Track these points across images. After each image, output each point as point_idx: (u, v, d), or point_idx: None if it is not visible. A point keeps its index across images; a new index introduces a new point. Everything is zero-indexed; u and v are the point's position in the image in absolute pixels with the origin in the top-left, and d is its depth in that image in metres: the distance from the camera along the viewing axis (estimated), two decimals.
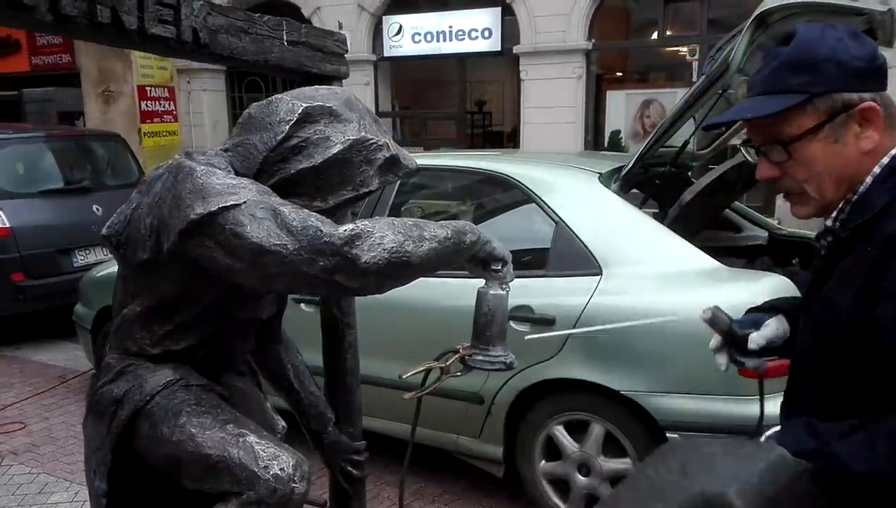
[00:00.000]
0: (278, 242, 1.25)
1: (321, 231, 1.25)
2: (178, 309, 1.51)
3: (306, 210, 1.31)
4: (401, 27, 10.83)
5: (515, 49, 9.94)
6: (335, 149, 1.40)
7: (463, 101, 11.23)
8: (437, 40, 10.65)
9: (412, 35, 10.79)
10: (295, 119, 1.41)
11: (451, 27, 10.50)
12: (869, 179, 1.16)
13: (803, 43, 1.14)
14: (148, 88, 11.72)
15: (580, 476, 3.00)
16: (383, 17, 10.89)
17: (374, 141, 1.44)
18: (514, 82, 10.57)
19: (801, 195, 1.21)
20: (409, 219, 1.35)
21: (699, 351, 2.53)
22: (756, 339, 1.40)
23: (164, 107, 11.93)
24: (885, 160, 1.15)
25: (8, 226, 5.63)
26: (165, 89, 12.02)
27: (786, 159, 1.18)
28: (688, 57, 9.60)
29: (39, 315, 6.01)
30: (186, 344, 1.56)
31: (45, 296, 5.75)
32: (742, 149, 2.90)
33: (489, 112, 13.15)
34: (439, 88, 12.35)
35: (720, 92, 2.97)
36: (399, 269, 1.28)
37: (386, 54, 11.08)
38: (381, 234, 1.26)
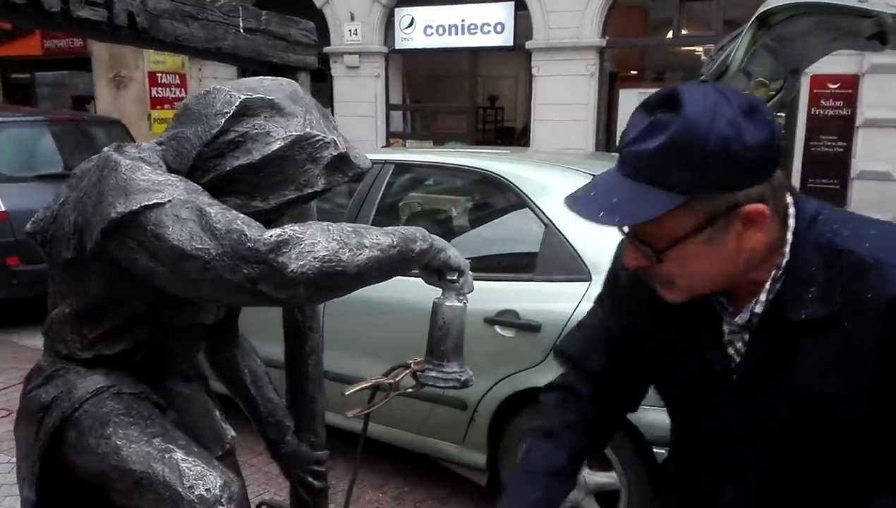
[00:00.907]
0: (200, 246, 1.15)
1: (245, 235, 1.14)
2: (109, 313, 1.41)
3: (235, 211, 1.20)
4: (413, 19, 10.71)
5: (528, 44, 9.80)
6: (275, 146, 1.30)
7: (474, 96, 11.10)
8: (450, 34, 10.53)
9: (424, 27, 10.67)
10: (232, 111, 1.30)
11: (463, 20, 10.37)
12: (788, 251, 1.03)
13: (691, 125, 0.92)
14: (159, 75, 11.70)
15: None
16: (395, 9, 10.78)
17: (319, 137, 1.33)
18: (527, 78, 10.42)
19: (672, 284, 1.05)
20: (348, 225, 1.24)
21: None
22: None
23: (174, 94, 11.90)
24: (790, 236, 1.02)
25: (3, 209, 5.59)
26: (176, 76, 12.00)
27: (658, 261, 1.02)
28: (703, 57, 9.42)
29: (34, 300, 5.96)
30: (120, 349, 1.46)
31: (40, 281, 5.66)
32: None
33: (501, 107, 13.01)
34: (451, 82, 12.24)
35: None
36: (332, 280, 1.17)
37: (397, 47, 10.96)
38: (312, 241, 1.16)
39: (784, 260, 1.03)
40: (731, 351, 1.11)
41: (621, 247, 1.22)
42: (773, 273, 1.03)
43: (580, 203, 1.00)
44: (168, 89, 11.80)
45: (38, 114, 6.89)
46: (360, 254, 1.19)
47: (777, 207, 1.00)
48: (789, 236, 1.03)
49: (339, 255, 1.16)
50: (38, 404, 1.46)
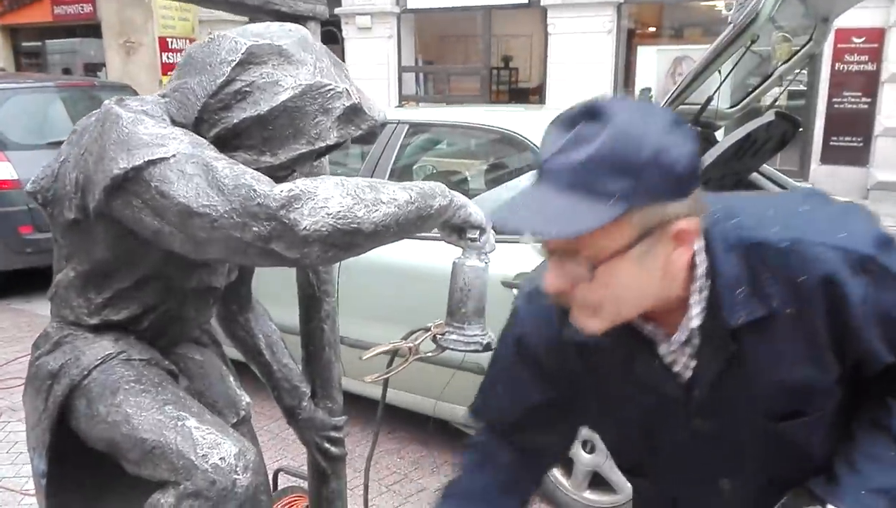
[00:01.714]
0: (207, 203, 1.08)
1: (255, 191, 1.07)
2: (115, 276, 1.35)
3: (243, 166, 1.13)
4: None
5: (543, 1, 9.57)
6: (284, 96, 1.21)
7: (488, 56, 10.90)
8: None
9: None
10: (238, 59, 1.21)
11: None
12: (703, 258, 0.98)
13: (624, 133, 0.87)
14: (169, 40, 11.59)
15: (584, 453, 2.86)
16: None
17: (331, 87, 1.25)
18: (542, 36, 10.21)
19: (595, 311, 0.97)
20: (363, 179, 1.16)
21: None
22: None
23: None
24: (701, 242, 0.97)
25: (16, 177, 5.55)
26: (187, 41, 11.88)
27: (588, 279, 0.93)
28: (724, 12, 9.17)
29: (49, 269, 5.96)
30: (128, 314, 1.41)
31: (51, 250, 5.69)
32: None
33: (515, 68, 12.79)
34: (465, 43, 12.03)
35: (748, 43, 2.71)
36: (347, 237, 1.10)
37: (409, 6, 10.76)
38: (325, 196, 1.08)
39: (703, 268, 0.98)
40: (677, 368, 1.06)
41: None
42: (697, 283, 0.98)
43: (508, 219, 0.92)
44: (178, 54, 11.69)
45: (47, 80, 6.82)
46: (377, 210, 1.12)
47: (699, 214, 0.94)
48: (701, 243, 0.97)
49: (353, 211, 1.09)
50: (46, 371, 1.41)
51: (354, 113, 1.28)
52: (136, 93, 7.06)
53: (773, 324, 0.97)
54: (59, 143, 5.26)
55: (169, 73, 11.30)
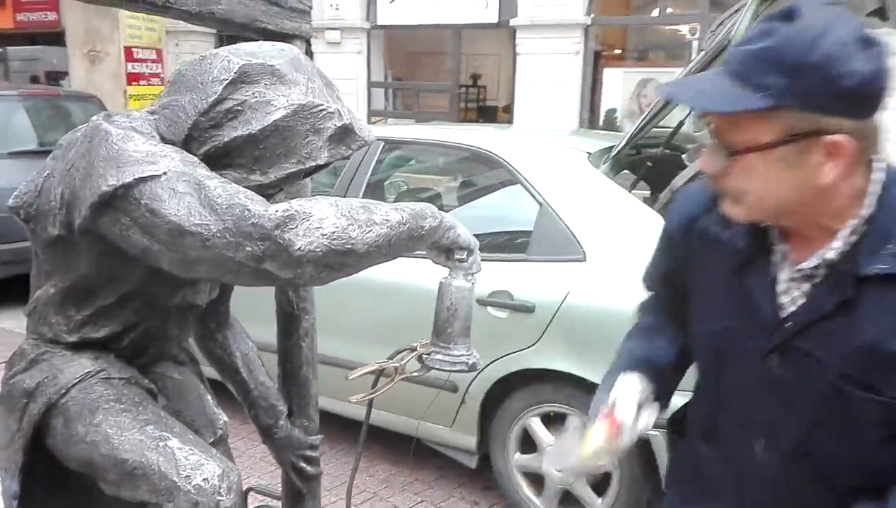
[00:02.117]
0: (199, 222, 1.07)
1: (249, 210, 1.07)
2: (97, 293, 1.33)
3: (236, 185, 1.13)
4: None
5: (512, 21, 9.68)
6: (276, 115, 1.21)
7: (457, 74, 10.96)
8: (433, 9, 10.36)
9: (407, 2, 10.50)
10: (230, 78, 1.21)
11: None
12: (873, 202, 1.00)
13: (799, 32, 0.91)
14: (135, 50, 11.42)
15: (555, 471, 2.87)
16: None
17: (323, 107, 1.25)
18: (511, 56, 10.31)
19: (737, 199, 1.03)
20: (356, 200, 1.17)
21: None
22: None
23: (151, 69, 11.63)
24: (878, 188, 0.99)
25: None
26: (153, 51, 11.71)
27: (725, 166, 1.01)
28: (688, 36, 9.39)
29: (8, 281, 5.81)
30: (108, 332, 1.38)
31: (13, 262, 5.55)
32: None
33: (484, 86, 12.89)
34: (434, 60, 12.09)
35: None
36: (341, 258, 1.10)
37: (379, 22, 10.79)
38: (320, 216, 1.08)
39: (867, 212, 0.99)
40: (784, 299, 1.08)
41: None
42: (855, 222, 1.00)
43: (675, 85, 1.04)
44: (144, 64, 11.53)
45: (10, 89, 6.67)
46: (370, 230, 1.12)
47: (864, 152, 0.97)
48: (877, 188, 0.99)
49: (348, 232, 1.09)
50: (21, 390, 1.38)
51: (346, 133, 1.28)
52: (102, 103, 6.95)
53: None
54: (22, 153, 5.15)
55: (134, 82, 11.15)
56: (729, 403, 1.19)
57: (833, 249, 1.01)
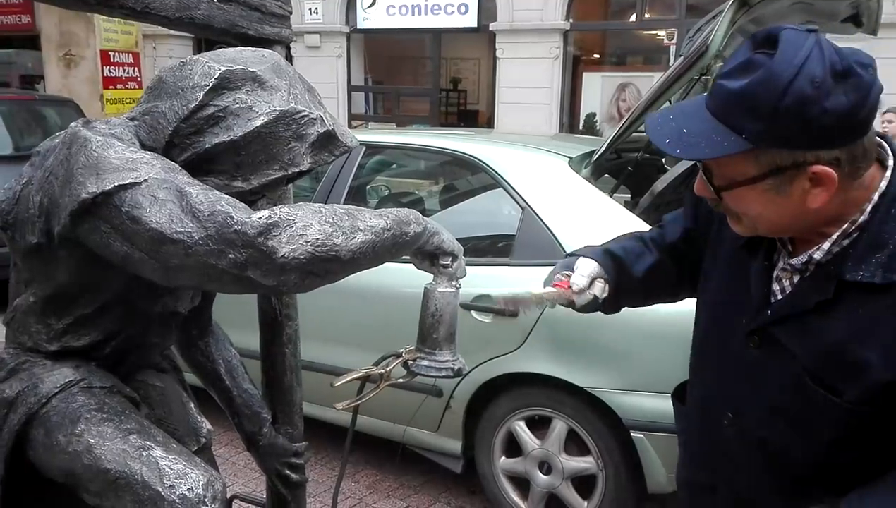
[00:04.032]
0: (181, 229, 1.06)
1: (231, 217, 1.06)
2: (77, 301, 1.31)
3: (218, 192, 1.12)
4: None
5: (492, 26, 9.73)
6: (258, 122, 1.21)
7: (437, 78, 11.00)
8: (412, 13, 10.38)
9: (386, 7, 10.52)
10: (211, 84, 1.20)
11: (426, 0, 10.23)
12: (868, 210, 1.02)
13: (773, 77, 0.91)
14: (111, 53, 11.31)
15: (541, 475, 2.87)
16: None
17: (305, 113, 1.24)
18: (490, 60, 10.37)
19: (738, 218, 1.08)
20: (340, 206, 1.16)
21: (666, 348, 2.44)
22: (577, 281, 1.30)
23: (128, 73, 11.53)
24: (875, 197, 1.02)
25: None
26: (130, 55, 11.61)
27: (716, 200, 1.05)
28: (665, 41, 9.48)
29: None
30: (89, 341, 1.36)
31: None
32: None
33: (464, 90, 12.94)
34: (413, 64, 12.11)
35: (697, 76, 2.81)
36: (325, 265, 1.09)
37: (359, 26, 10.78)
38: (303, 223, 1.07)
39: (861, 218, 1.02)
40: (775, 286, 1.13)
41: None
42: (845, 227, 1.03)
43: (655, 124, 1.04)
44: (121, 68, 11.42)
45: None
46: (355, 237, 1.12)
47: (855, 172, 0.98)
48: (875, 197, 1.02)
49: (332, 239, 1.09)
50: (0, 400, 1.36)
51: (328, 139, 1.27)
52: (78, 107, 6.87)
53: (880, 298, 0.99)
54: None
55: (110, 87, 11.03)
56: (711, 375, 1.26)
57: (822, 250, 1.05)
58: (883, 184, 1.02)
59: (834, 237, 1.03)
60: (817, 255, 1.05)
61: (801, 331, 1.07)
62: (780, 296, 1.12)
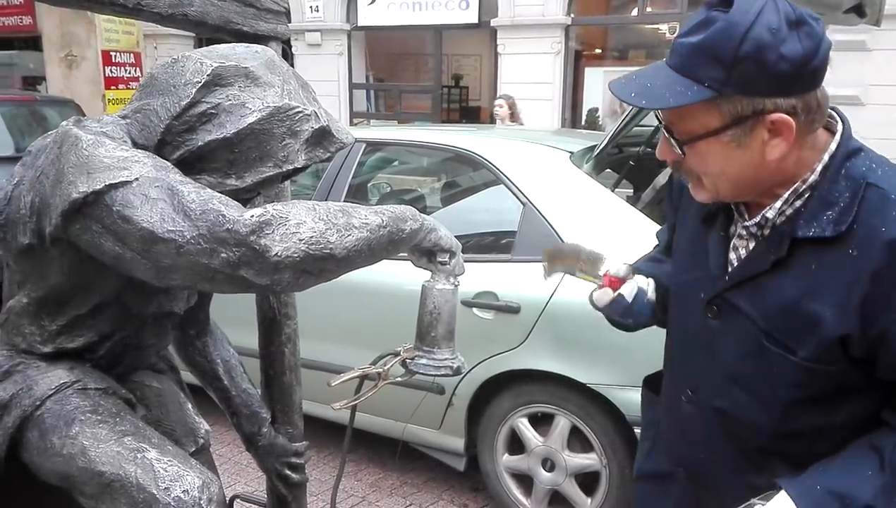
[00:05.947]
0: (173, 228, 1.04)
1: (223, 215, 1.04)
2: (70, 302, 1.30)
3: (210, 190, 1.10)
4: None
5: (493, 22, 9.69)
6: (251, 118, 1.19)
7: (439, 75, 10.97)
8: (413, 10, 10.35)
9: (387, 4, 10.48)
10: (203, 81, 1.19)
11: None
12: (819, 170, 1.05)
13: (731, 26, 0.95)
14: (113, 53, 11.31)
15: (544, 472, 2.86)
16: None
17: (299, 109, 1.23)
18: (491, 56, 10.34)
19: (699, 181, 1.10)
20: (334, 204, 1.14)
21: None
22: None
23: (129, 73, 11.53)
24: (825, 157, 1.05)
25: None
26: (131, 55, 11.61)
27: (680, 154, 1.06)
28: (668, 34, 9.43)
29: None
30: (84, 342, 1.35)
31: None
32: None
33: (465, 86, 12.91)
34: (415, 61, 12.09)
35: None
36: (320, 264, 1.07)
37: (360, 23, 10.76)
38: (297, 221, 1.06)
39: (811, 178, 1.05)
40: (732, 255, 1.15)
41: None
42: (796, 185, 1.06)
43: (619, 83, 1.06)
44: (123, 68, 11.42)
45: None
46: (349, 235, 1.10)
47: (810, 125, 1.02)
48: (825, 157, 1.04)
49: (326, 237, 1.07)
50: None
51: (323, 136, 1.26)
52: (79, 108, 6.87)
53: (830, 253, 1.01)
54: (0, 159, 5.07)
55: (112, 87, 11.03)
56: (674, 356, 1.28)
57: (774, 208, 1.07)
58: (833, 146, 1.05)
59: (785, 196, 1.06)
60: (770, 214, 1.08)
61: (758, 293, 1.09)
62: (736, 264, 1.14)
